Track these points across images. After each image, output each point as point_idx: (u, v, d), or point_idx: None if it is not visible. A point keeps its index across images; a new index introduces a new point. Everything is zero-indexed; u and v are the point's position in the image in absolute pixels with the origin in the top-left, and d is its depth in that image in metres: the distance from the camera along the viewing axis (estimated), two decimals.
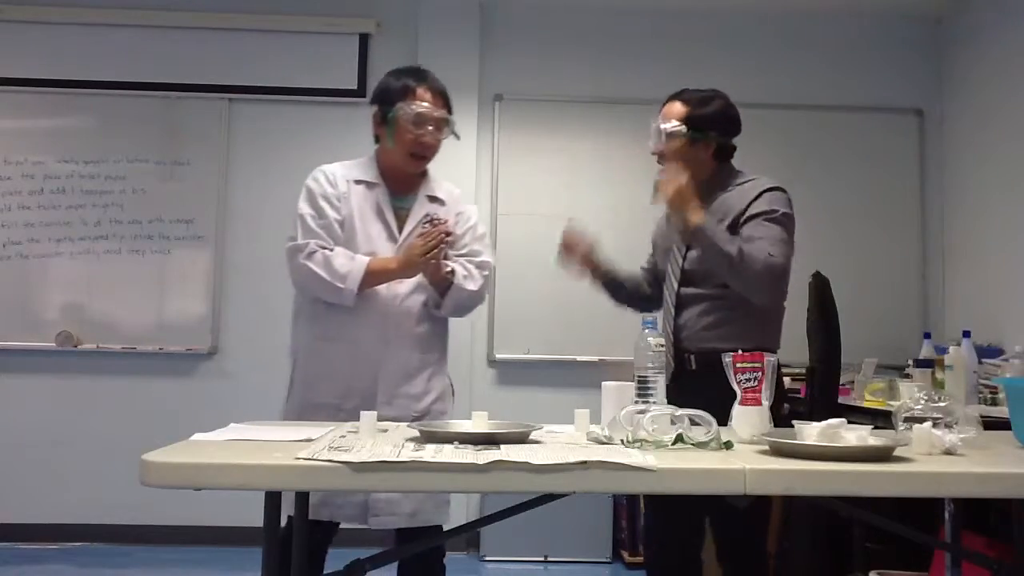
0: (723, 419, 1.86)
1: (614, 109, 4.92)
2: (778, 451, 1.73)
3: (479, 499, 4.65)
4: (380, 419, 2.11)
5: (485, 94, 4.95)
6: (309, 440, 1.80)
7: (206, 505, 4.00)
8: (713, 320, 2.59)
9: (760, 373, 1.95)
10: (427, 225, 2.52)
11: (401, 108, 2.51)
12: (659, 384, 2.00)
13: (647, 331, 2.04)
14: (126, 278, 4.85)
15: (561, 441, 1.86)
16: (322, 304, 2.49)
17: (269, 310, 4.63)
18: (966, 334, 3.61)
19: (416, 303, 2.52)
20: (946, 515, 2.62)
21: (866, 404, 3.57)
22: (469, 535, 4.59)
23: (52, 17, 4.91)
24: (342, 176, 2.57)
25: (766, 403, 1.96)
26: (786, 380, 3.80)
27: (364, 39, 5.01)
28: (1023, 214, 4.31)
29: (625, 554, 4.57)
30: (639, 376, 2.01)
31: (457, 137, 2.61)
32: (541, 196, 4.99)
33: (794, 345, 3.41)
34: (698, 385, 2.23)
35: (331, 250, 2.46)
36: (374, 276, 2.45)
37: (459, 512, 4.44)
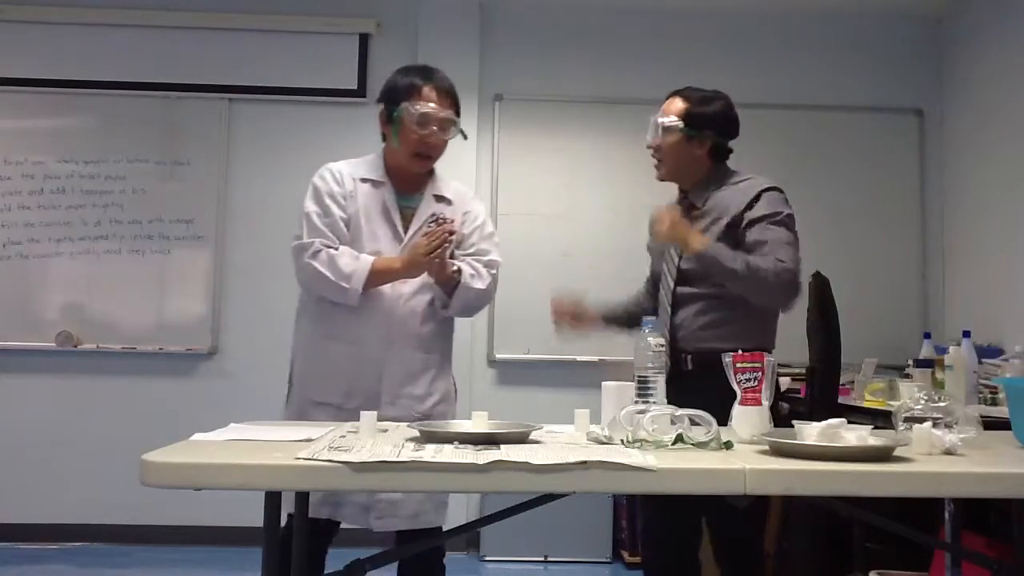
0: (721, 420, 1.86)
1: (614, 109, 4.92)
2: (778, 451, 1.73)
3: (479, 499, 4.65)
4: (383, 419, 2.12)
5: (485, 94, 4.96)
6: (309, 440, 1.80)
7: (206, 505, 4.00)
8: (710, 320, 2.59)
9: (760, 373, 1.95)
10: (432, 225, 2.51)
11: (406, 108, 2.49)
12: (659, 384, 2.00)
13: (647, 331, 2.04)
14: (126, 278, 4.85)
15: (561, 441, 1.86)
16: (326, 303, 2.48)
17: (269, 310, 4.63)
18: (966, 334, 3.61)
19: (420, 303, 2.51)
20: (946, 515, 2.62)
21: (866, 404, 3.57)
22: (469, 535, 4.59)
23: (52, 17, 4.91)
24: (348, 174, 2.56)
25: (766, 403, 1.96)
26: (786, 380, 3.84)
27: (364, 39, 5.01)
28: (1023, 214, 4.31)
29: (625, 554, 4.57)
30: (639, 376, 2.01)
31: (464, 137, 2.60)
32: (541, 196, 4.99)
33: (794, 345, 3.41)
34: (695, 385, 2.23)
35: (336, 249, 2.46)
36: (379, 276, 2.44)
37: (459, 512, 4.44)
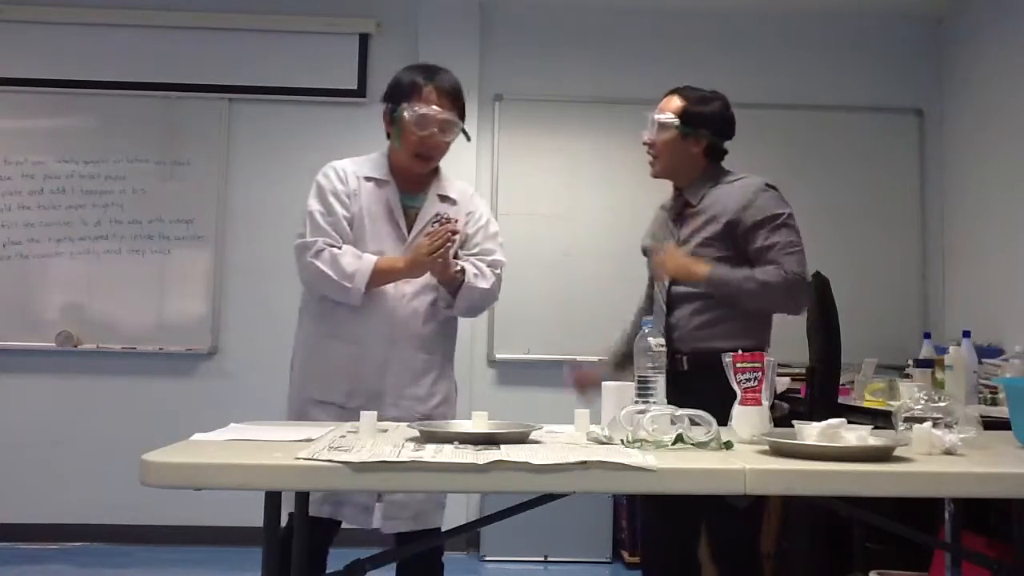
0: (718, 420, 1.85)
1: (614, 109, 4.91)
2: (778, 451, 1.73)
3: (479, 499, 4.65)
4: (384, 420, 2.11)
5: (485, 94, 4.96)
6: (309, 440, 1.80)
7: (206, 505, 3.99)
8: (706, 319, 2.59)
9: (760, 373, 1.95)
10: (436, 224, 2.50)
11: (406, 108, 2.48)
12: (659, 384, 2.00)
13: (647, 331, 2.04)
14: (126, 278, 4.85)
15: (561, 441, 1.86)
16: (329, 302, 2.48)
17: (269, 310, 4.64)
18: (966, 334, 3.61)
19: (423, 303, 2.51)
20: (946, 515, 2.63)
21: (866, 404, 3.57)
22: (469, 535, 4.59)
23: (52, 17, 4.91)
24: (352, 172, 2.55)
25: (766, 403, 1.96)
26: (786, 380, 3.84)
27: (364, 39, 5.01)
28: (1023, 214, 4.31)
29: (625, 554, 4.57)
30: (639, 376, 2.01)
31: (468, 138, 2.58)
32: (541, 196, 4.99)
33: (794, 345, 3.41)
34: (691, 386, 2.23)
35: (339, 248, 2.45)
36: (381, 275, 2.44)
37: (459, 512, 4.44)
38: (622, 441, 1.80)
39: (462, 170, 4.57)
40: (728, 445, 1.78)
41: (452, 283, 2.49)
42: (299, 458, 1.58)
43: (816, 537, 3.55)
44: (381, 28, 5.02)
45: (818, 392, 3.37)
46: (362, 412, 2.00)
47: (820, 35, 5.13)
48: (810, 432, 1.76)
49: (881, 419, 2.96)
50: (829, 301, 3.35)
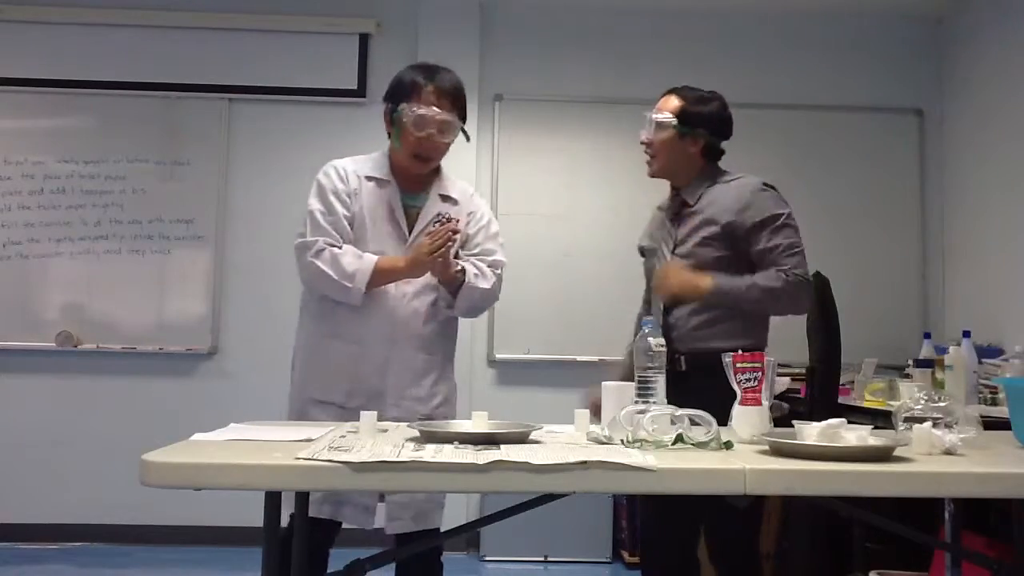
0: (720, 420, 1.85)
1: (614, 109, 4.91)
2: (778, 451, 1.73)
3: (479, 499, 4.65)
4: (384, 420, 2.11)
5: (485, 94, 4.96)
6: (309, 440, 1.80)
7: (206, 505, 3.99)
8: (704, 319, 2.59)
9: (760, 373, 1.95)
10: (437, 224, 2.49)
11: (404, 109, 2.48)
12: (659, 384, 2.00)
13: (647, 331, 2.04)
14: (126, 278, 4.85)
15: (561, 441, 1.86)
16: (329, 301, 2.47)
17: (269, 310, 4.64)
18: (966, 334, 3.61)
19: (424, 303, 2.50)
20: (946, 515, 2.63)
21: (866, 404, 3.57)
22: (469, 535, 4.59)
23: (52, 17, 4.91)
24: (354, 171, 2.54)
25: (766, 403, 1.96)
26: (786, 380, 3.84)
27: (364, 39, 5.01)
28: (1023, 214, 4.31)
29: (625, 554, 4.57)
30: (639, 376, 2.01)
31: (468, 138, 2.57)
32: (541, 196, 4.99)
33: (794, 345, 3.41)
34: (689, 387, 2.23)
35: (340, 248, 2.44)
36: (382, 275, 2.43)
37: (459, 512, 4.44)
38: (622, 441, 1.80)
39: (462, 170, 4.56)
40: (728, 445, 1.78)
41: (453, 283, 2.48)
42: (299, 458, 1.58)
43: (816, 537, 3.55)
44: (381, 28, 5.02)
45: (818, 392, 3.37)
46: (362, 412, 2.00)
47: (820, 35, 5.13)
48: (810, 432, 1.76)
49: (881, 419, 2.96)
50: (829, 301, 3.35)
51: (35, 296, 4.86)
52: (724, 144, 2.75)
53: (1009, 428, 2.05)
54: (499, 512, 1.90)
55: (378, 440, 1.82)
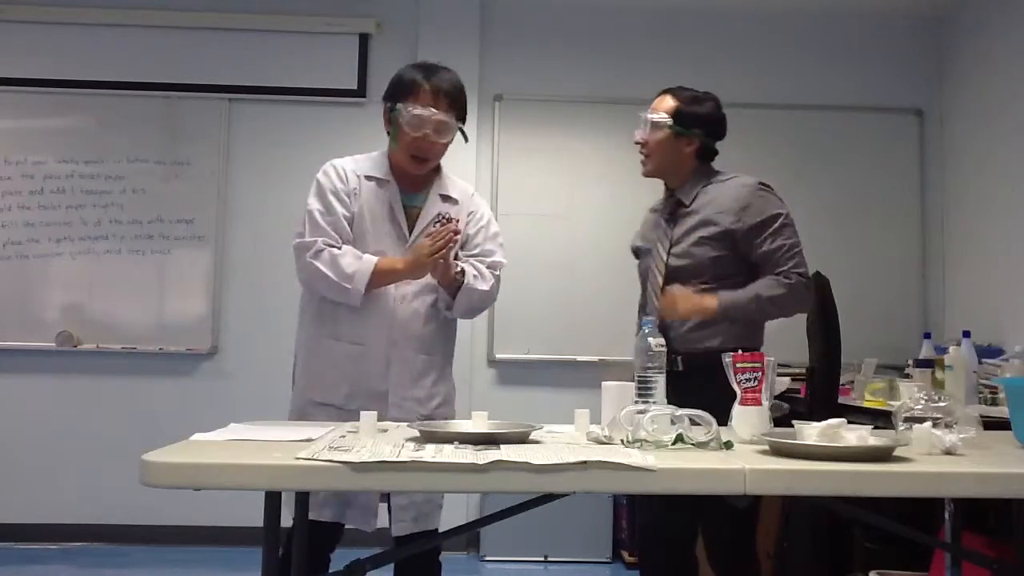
0: (718, 420, 1.85)
1: (614, 109, 4.91)
2: (778, 451, 1.73)
3: (479, 499, 4.65)
4: (385, 420, 2.11)
5: (485, 94, 4.95)
6: (309, 440, 1.80)
7: (206, 505, 4.00)
8: (699, 320, 2.59)
9: (760, 373, 1.95)
10: (437, 224, 2.48)
11: (400, 109, 2.46)
12: (659, 384, 2.00)
13: (647, 331, 2.04)
14: (126, 278, 4.85)
15: (561, 441, 1.86)
16: (329, 303, 2.46)
17: (269, 310, 4.64)
18: (966, 334, 3.61)
19: (424, 304, 2.49)
20: (946, 515, 2.62)
21: (866, 404, 3.57)
22: (469, 535, 4.59)
23: (52, 17, 4.91)
24: (353, 171, 2.52)
25: (766, 403, 1.96)
26: (786, 380, 3.84)
27: (364, 39, 5.01)
28: (1023, 214, 4.31)
29: (625, 554, 4.57)
30: (639, 376, 2.01)
31: (465, 139, 2.55)
32: (541, 196, 4.99)
33: (794, 345, 3.42)
34: (687, 387, 2.22)
35: (339, 248, 2.43)
36: (381, 276, 2.42)
37: (459, 512, 4.44)
38: (622, 441, 1.80)
39: (462, 170, 4.56)
40: (728, 445, 1.78)
41: (452, 285, 2.47)
42: (299, 458, 1.58)
43: (816, 537, 3.55)
44: (381, 28, 5.02)
45: (818, 392, 3.37)
46: (362, 412, 2.00)
47: (820, 35, 5.13)
48: (810, 432, 1.76)
49: (881, 419, 2.96)
50: (829, 301, 3.35)
51: (35, 296, 4.86)
52: (719, 144, 2.76)
53: (1009, 428, 2.05)
54: (499, 512, 1.90)
55: (378, 440, 1.82)
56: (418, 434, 1.85)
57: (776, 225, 2.59)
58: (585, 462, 1.56)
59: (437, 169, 2.59)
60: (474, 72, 4.84)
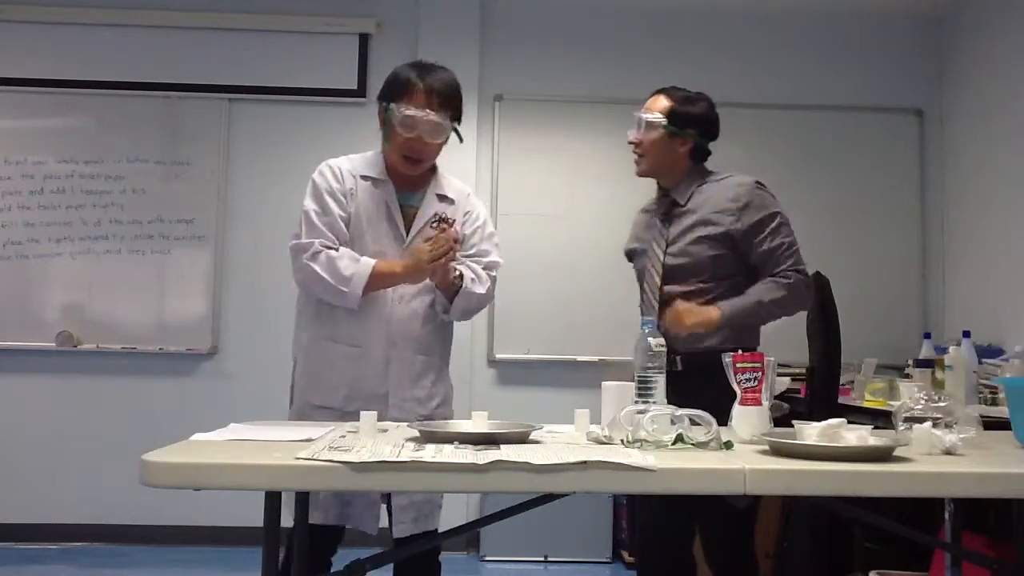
0: (718, 420, 1.85)
1: (614, 109, 4.89)
2: (778, 451, 1.73)
3: (479, 499, 4.65)
4: (385, 420, 2.10)
5: (485, 94, 4.96)
6: (309, 440, 1.80)
7: (206, 505, 4.00)
8: (706, 331, 2.59)
9: (760, 373, 1.95)
10: (435, 224, 2.47)
11: (394, 109, 2.44)
12: (659, 384, 2.00)
13: (647, 331, 2.04)
14: (126, 278, 4.85)
15: (561, 441, 1.86)
16: (326, 304, 2.45)
17: (269, 310, 4.64)
18: (966, 334, 3.61)
19: (422, 304, 2.48)
20: (946, 515, 2.62)
21: (866, 404, 3.57)
22: (469, 535, 4.59)
23: (52, 17, 4.91)
24: (349, 171, 2.51)
25: (766, 403, 1.96)
26: (786, 380, 3.84)
27: (364, 39, 5.01)
28: (1023, 214, 4.31)
29: (625, 554, 4.57)
30: (639, 376, 2.01)
31: (460, 139, 2.54)
32: (541, 196, 4.99)
33: (794, 345, 3.42)
34: (687, 387, 2.22)
35: (336, 250, 2.41)
36: (379, 280, 2.40)
37: (459, 512, 4.44)
38: (622, 441, 1.80)
39: (462, 170, 4.57)
40: (728, 445, 1.78)
41: (451, 289, 2.46)
42: (299, 458, 1.58)
43: (816, 537, 3.55)
44: (381, 28, 5.02)
45: (818, 392, 3.37)
46: (362, 412, 1.99)
47: (820, 35, 5.13)
48: (810, 432, 1.76)
49: (881, 419, 2.96)
50: (829, 301, 3.36)
51: (35, 296, 4.86)
52: (714, 144, 2.77)
53: (1009, 428, 2.05)
54: (499, 512, 1.90)
55: (378, 440, 1.82)
56: (418, 434, 1.85)
57: (774, 224, 2.61)
58: (585, 462, 1.56)
59: (433, 168, 2.57)
60: (474, 72, 4.84)
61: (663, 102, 2.71)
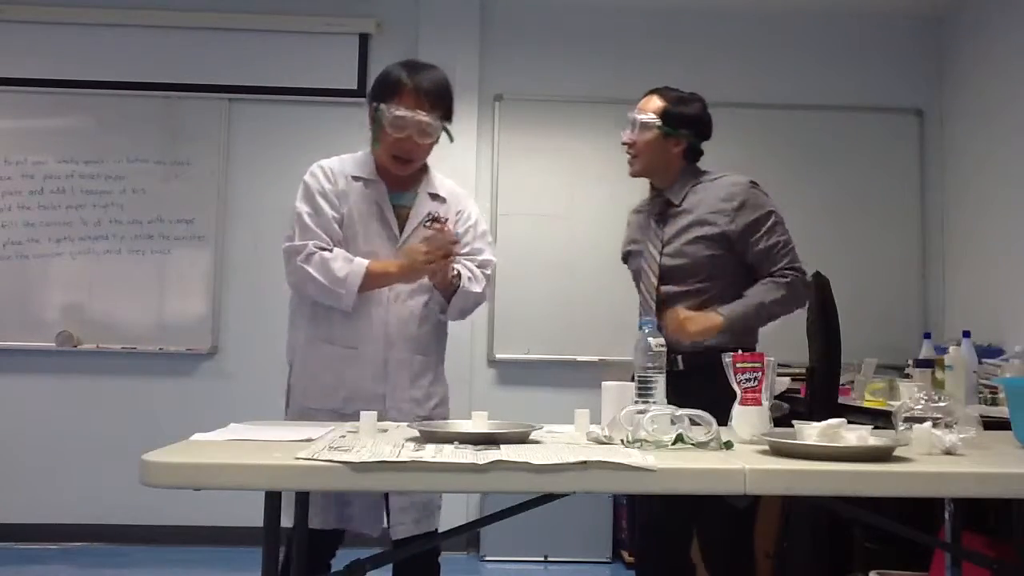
0: (719, 420, 1.85)
1: (614, 109, 4.85)
2: (778, 451, 1.73)
3: (479, 499, 4.65)
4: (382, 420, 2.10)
5: (485, 94, 4.95)
6: (309, 440, 1.80)
7: (206, 505, 4.00)
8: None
9: (760, 373, 1.95)
10: (429, 224, 2.46)
11: (383, 110, 2.43)
12: (659, 384, 2.00)
13: (647, 331, 2.04)
14: (126, 278, 4.85)
15: (561, 441, 1.86)
16: (322, 305, 2.44)
17: (269, 310, 4.61)
18: (966, 334, 3.61)
19: (418, 304, 2.47)
20: (946, 515, 2.62)
21: (866, 404, 3.57)
22: (469, 535, 4.59)
23: (52, 17, 4.91)
24: (340, 172, 2.50)
25: (766, 403, 1.96)
26: (786, 380, 3.85)
27: (364, 39, 5.01)
28: (1023, 214, 4.31)
29: (625, 554, 4.57)
30: (639, 376, 2.01)
31: (451, 139, 2.51)
32: (541, 196, 4.99)
33: (794, 345, 3.41)
34: (687, 386, 2.22)
35: (330, 251, 2.41)
36: (373, 280, 2.39)
37: (459, 512, 4.44)
38: (622, 441, 1.80)
39: (462, 170, 4.58)
40: (728, 445, 1.78)
41: (449, 289, 2.46)
42: (299, 458, 1.58)
43: (816, 537, 3.55)
44: (381, 28, 5.02)
45: (818, 392, 3.37)
46: (362, 412, 1.99)
47: (820, 35, 5.13)
48: (810, 432, 1.76)
49: (881, 419, 2.96)
50: (829, 301, 3.35)
51: (35, 296, 4.86)
52: (707, 144, 2.78)
53: (1009, 428, 2.05)
54: (499, 512, 1.90)
55: (378, 440, 1.82)
56: (418, 434, 1.85)
57: (769, 223, 2.62)
58: (585, 462, 1.56)
59: (424, 167, 2.56)
60: (474, 72, 4.84)
61: (656, 102, 2.72)
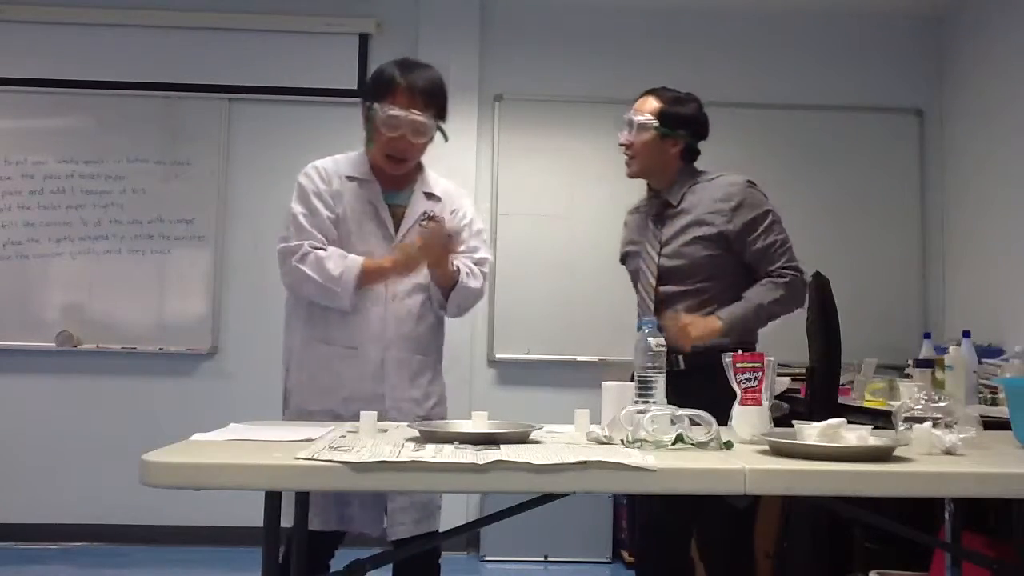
0: (719, 420, 1.85)
1: (614, 109, 4.82)
2: (778, 451, 1.73)
3: (479, 499, 4.65)
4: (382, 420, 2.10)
5: (485, 94, 4.94)
6: (309, 440, 1.80)
7: (206, 505, 3.99)
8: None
9: (760, 373, 1.95)
10: (424, 223, 2.46)
11: (376, 109, 2.42)
12: (659, 384, 2.00)
13: (647, 331, 2.04)
14: (126, 278, 4.85)
15: (561, 441, 1.86)
16: (319, 305, 2.43)
17: (269, 310, 4.59)
18: (966, 334, 3.61)
19: (416, 302, 2.47)
20: (946, 515, 2.62)
21: (866, 404, 3.57)
22: (469, 535, 4.59)
23: (52, 17, 4.91)
24: (335, 172, 2.49)
25: (766, 403, 1.96)
26: (786, 380, 3.85)
27: (364, 39, 5.01)
28: (1023, 214, 4.31)
29: (625, 554, 4.57)
30: (639, 376, 2.01)
31: (445, 139, 2.51)
32: (541, 196, 4.99)
33: (794, 345, 3.41)
34: (688, 386, 2.22)
35: (325, 250, 2.40)
36: (369, 276, 2.39)
37: (459, 512, 4.44)
38: (622, 441, 1.80)
39: (462, 170, 4.59)
40: (728, 445, 1.78)
41: (449, 282, 2.46)
42: (299, 458, 1.58)
43: (816, 537, 3.55)
44: (381, 28, 5.02)
45: (818, 392, 3.37)
46: (362, 412, 1.99)
47: (820, 35, 5.13)
48: (810, 432, 1.76)
49: (881, 419, 2.96)
50: (829, 301, 3.35)
51: (35, 296, 4.86)
52: (712, 144, 2.78)
53: (1009, 428, 2.05)
54: (499, 512, 1.90)
55: (378, 440, 1.82)
56: (418, 434, 1.85)
57: (766, 223, 2.62)
58: (585, 462, 1.56)
59: (419, 166, 2.56)
60: (474, 72, 4.83)
61: (653, 103, 2.72)
